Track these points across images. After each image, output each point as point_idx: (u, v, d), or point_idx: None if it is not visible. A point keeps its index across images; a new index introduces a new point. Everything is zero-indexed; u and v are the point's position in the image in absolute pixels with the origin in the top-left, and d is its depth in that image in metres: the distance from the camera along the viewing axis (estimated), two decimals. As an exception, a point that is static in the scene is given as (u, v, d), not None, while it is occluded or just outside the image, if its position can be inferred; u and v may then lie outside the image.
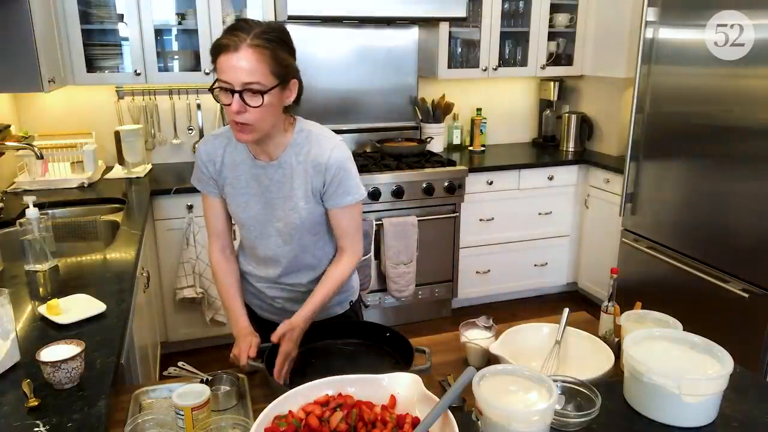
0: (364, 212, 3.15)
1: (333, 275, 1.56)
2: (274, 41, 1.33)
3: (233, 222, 1.66)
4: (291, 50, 1.40)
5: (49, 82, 2.60)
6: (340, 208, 1.53)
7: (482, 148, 4.13)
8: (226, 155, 1.54)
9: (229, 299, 1.62)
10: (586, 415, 1.12)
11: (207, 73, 3.27)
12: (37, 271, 1.87)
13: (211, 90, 1.37)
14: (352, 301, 1.77)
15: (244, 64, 1.29)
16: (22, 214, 2.17)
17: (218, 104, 3.56)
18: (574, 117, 4.11)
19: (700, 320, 2.71)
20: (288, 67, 1.37)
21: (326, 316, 1.69)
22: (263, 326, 1.67)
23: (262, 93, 1.32)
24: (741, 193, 2.65)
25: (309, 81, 4.00)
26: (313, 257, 1.61)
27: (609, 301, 1.54)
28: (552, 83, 4.23)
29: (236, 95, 1.31)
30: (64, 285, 1.79)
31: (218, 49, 1.32)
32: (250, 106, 1.33)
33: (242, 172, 1.53)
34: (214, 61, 1.34)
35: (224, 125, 3.73)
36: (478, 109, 4.15)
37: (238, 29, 1.31)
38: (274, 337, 1.40)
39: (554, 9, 3.92)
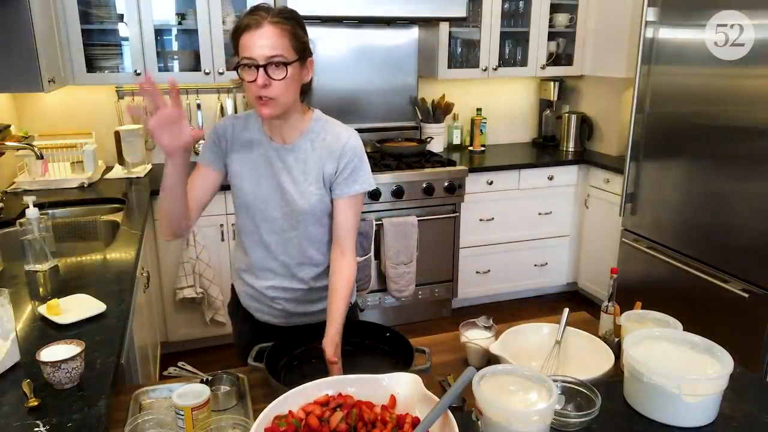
0: (363, 212, 3.15)
1: (341, 286, 1.51)
2: (292, 19, 1.42)
3: (235, 209, 1.63)
4: (305, 29, 1.47)
5: (49, 82, 2.60)
6: (347, 198, 1.53)
7: (482, 148, 4.13)
8: (242, 134, 1.57)
9: None
10: (586, 415, 1.12)
11: (207, 73, 3.27)
12: (37, 271, 1.87)
13: (235, 69, 1.42)
14: (351, 303, 1.76)
15: (266, 40, 1.37)
16: (22, 214, 2.17)
17: (218, 104, 3.59)
18: (574, 117, 4.11)
19: (700, 320, 2.71)
20: (305, 44, 1.45)
21: (325, 318, 1.68)
22: (262, 330, 1.67)
23: (285, 65, 1.39)
24: (741, 193, 2.65)
25: (309, 81, 3.98)
26: (317, 252, 1.60)
27: (609, 301, 1.54)
28: (552, 83, 4.23)
29: (260, 70, 1.37)
30: (64, 285, 1.79)
31: (240, 29, 1.40)
32: (274, 79, 1.38)
33: (255, 153, 1.55)
34: (236, 42, 1.41)
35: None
36: (478, 109, 4.15)
37: (259, 9, 1.40)
38: (332, 357, 1.38)
39: (554, 9, 3.92)
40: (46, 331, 1.49)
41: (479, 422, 1.07)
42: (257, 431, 0.97)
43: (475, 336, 1.49)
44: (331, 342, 1.40)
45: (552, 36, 3.99)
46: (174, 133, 1.37)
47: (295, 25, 1.42)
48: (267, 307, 1.68)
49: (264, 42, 1.37)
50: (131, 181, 3.14)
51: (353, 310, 1.78)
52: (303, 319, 1.66)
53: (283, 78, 1.39)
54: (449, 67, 3.79)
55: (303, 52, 1.43)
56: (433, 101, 4.01)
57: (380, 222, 3.34)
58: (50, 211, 2.63)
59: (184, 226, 1.53)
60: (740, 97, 2.62)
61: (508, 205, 3.77)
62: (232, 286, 1.77)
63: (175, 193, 1.46)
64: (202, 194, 1.56)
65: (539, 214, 3.87)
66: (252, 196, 1.56)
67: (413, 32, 3.89)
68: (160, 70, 3.23)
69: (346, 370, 1.38)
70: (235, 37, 1.41)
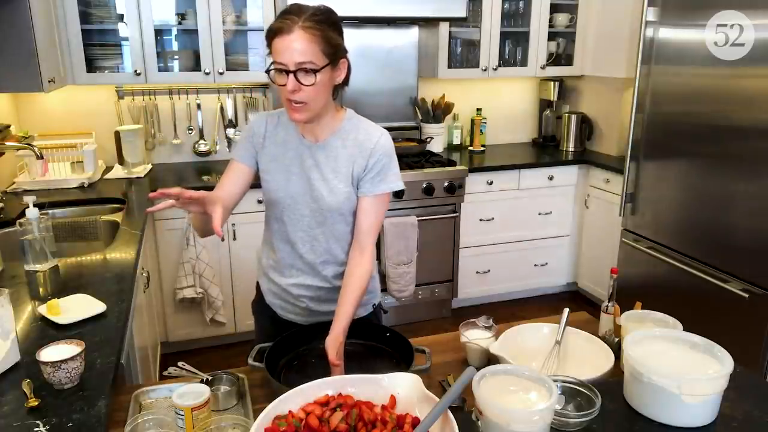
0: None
1: (354, 284, 1.51)
2: (325, 22, 1.40)
3: (264, 205, 1.65)
4: (340, 31, 1.46)
5: (49, 82, 2.60)
6: (372, 197, 1.54)
7: (482, 148, 4.13)
8: (276, 131, 1.59)
9: None
10: (586, 415, 1.12)
11: (207, 73, 3.27)
12: (37, 271, 1.87)
13: (267, 72, 1.43)
14: (374, 304, 1.75)
15: (297, 45, 1.36)
16: (22, 214, 2.17)
17: (218, 104, 3.59)
18: (574, 117, 4.11)
19: (700, 320, 2.71)
20: (337, 47, 1.43)
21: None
22: (284, 328, 1.66)
23: (314, 72, 1.39)
24: (741, 193, 2.65)
25: (309, 81, 3.97)
26: (342, 250, 1.61)
27: (609, 301, 1.54)
28: (552, 83, 4.23)
29: (291, 75, 1.38)
30: (64, 285, 1.79)
31: (273, 33, 1.39)
32: (303, 84, 1.39)
33: (288, 150, 1.57)
34: (269, 44, 1.41)
35: (224, 124, 3.74)
36: (478, 109, 4.15)
37: (291, 12, 1.39)
38: (334, 359, 1.37)
39: (554, 9, 3.92)
40: (46, 331, 1.49)
41: (479, 422, 1.07)
42: (257, 431, 0.97)
43: (475, 336, 1.49)
44: (334, 342, 1.40)
45: (552, 36, 3.99)
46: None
47: (327, 28, 1.40)
48: (291, 305, 1.68)
49: (295, 47, 1.36)
50: (131, 181, 3.15)
51: (376, 312, 1.77)
52: (325, 318, 1.63)
53: (313, 84, 1.39)
54: (449, 67, 3.79)
55: (335, 55, 1.42)
56: (433, 101, 4.01)
57: (380, 222, 3.33)
58: (50, 211, 2.63)
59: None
60: (740, 97, 2.62)
61: (508, 205, 3.77)
62: (257, 283, 1.79)
63: (200, 225, 1.51)
64: (234, 190, 1.58)
65: (539, 214, 3.87)
66: (282, 192, 1.57)
67: (413, 32, 3.89)
68: (160, 70, 3.23)
69: (347, 370, 1.38)
70: (267, 39, 1.41)
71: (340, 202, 1.54)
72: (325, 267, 1.62)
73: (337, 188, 1.53)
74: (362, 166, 1.53)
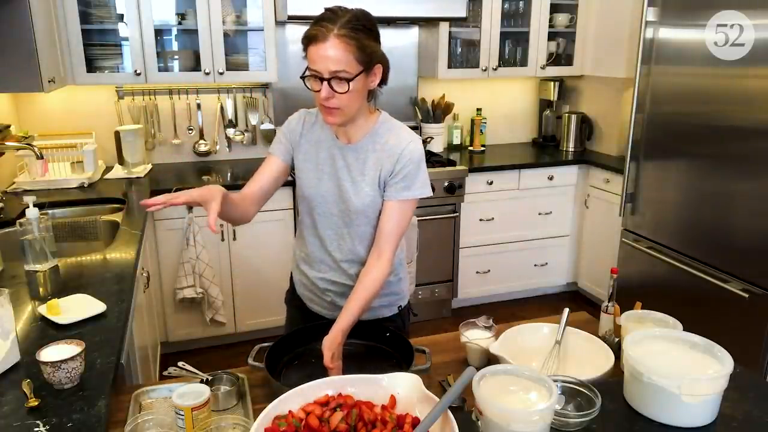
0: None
1: (365, 285, 1.52)
2: (360, 30, 1.40)
3: (297, 199, 1.68)
4: (376, 36, 1.46)
5: (49, 82, 2.60)
6: (396, 202, 1.55)
7: (482, 148, 4.13)
8: (312, 130, 1.61)
9: None
10: (586, 415, 1.12)
11: (207, 73, 3.27)
12: (37, 271, 1.87)
13: (302, 78, 1.44)
14: (401, 306, 1.76)
15: (332, 54, 1.37)
16: (22, 214, 2.17)
17: (218, 104, 3.59)
18: (574, 117, 4.11)
19: (700, 320, 2.71)
20: (373, 53, 1.44)
21: (372, 317, 1.68)
22: (312, 319, 1.70)
23: (348, 80, 1.40)
24: (741, 193, 2.65)
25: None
26: (367, 252, 1.61)
27: (609, 301, 1.54)
28: (552, 83, 4.23)
29: (325, 83, 1.40)
30: (64, 285, 1.79)
31: (308, 40, 1.40)
32: (337, 92, 1.41)
33: (321, 150, 1.59)
34: (305, 50, 1.42)
35: (224, 124, 3.73)
36: (478, 109, 4.15)
37: (326, 20, 1.39)
38: (328, 362, 1.37)
39: (554, 9, 3.92)
40: (46, 331, 1.49)
41: (479, 422, 1.07)
42: (257, 431, 0.97)
43: (475, 336, 1.49)
44: (331, 343, 1.40)
45: (552, 36, 3.98)
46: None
47: (362, 36, 1.40)
48: (318, 298, 1.72)
49: (329, 55, 1.37)
50: (131, 181, 3.14)
51: (402, 315, 1.77)
52: None
53: (346, 92, 1.41)
54: (449, 67, 3.79)
55: (370, 62, 1.43)
56: (433, 101, 4.01)
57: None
58: (50, 211, 2.63)
59: (247, 218, 1.60)
60: (740, 97, 2.62)
61: (508, 205, 3.77)
62: (291, 274, 1.82)
63: (224, 216, 1.49)
64: (267, 184, 1.61)
65: (539, 214, 3.87)
66: (313, 190, 1.60)
67: (413, 32, 3.89)
68: (160, 70, 3.23)
69: (347, 370, 1.38)
70: (304, 44, 1.42)
71: (365, 204, 1.55)
72: (350, 266, 1.64)
73: (363, 191, 1.55)
74: (389, 171, 1.54)
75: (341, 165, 1.57)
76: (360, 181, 1.55)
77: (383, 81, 1.53)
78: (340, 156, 1.57)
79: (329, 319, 1.57)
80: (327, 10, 1.42)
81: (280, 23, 3.46)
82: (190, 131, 3.62)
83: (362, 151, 1.56)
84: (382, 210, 1.56)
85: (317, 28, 1.38)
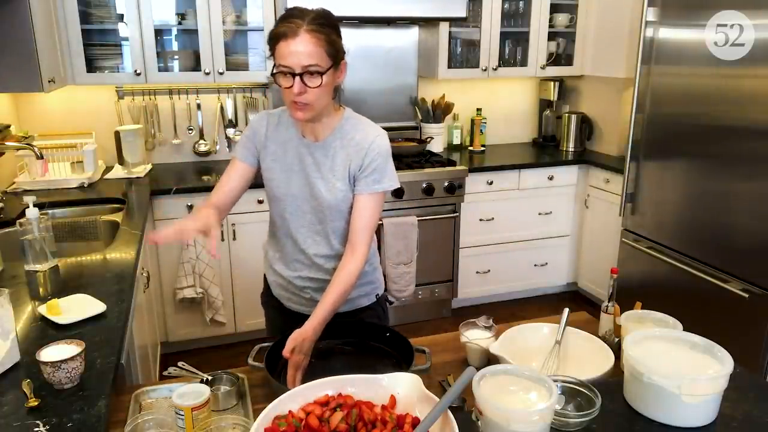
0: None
1: (340, 279, 1.54)
2: (327, 26, 1.44)
3: (267, 202, 1.69)
4: (339, 33, 1.49)
5: (49, 82, 2.60)
6: (367, 194, 1.56)
7: (482, 148, 4.13)
8: (276, 131, 1.62)
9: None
10: (586, 415, 1.12)
11: (207, 73, 3.27)
12: (37, 271, 1.87)
13: (272, 75, 1.45)
14: (378, 294, 1.78)
15: (303, 49, 1.39)
16: (22, 214, 2.17)
17: (218, 104, 3.59)
18: (574, 117, 4.11)
19: (700, 320, 2.70)
20: (339, 49, 1.47)
21: (352, 307, 1.70)
22: (292, 318, 1.69)
23: (320, 74, 1.42)
24: (741, 193, 2.65)
25: (309, 81, 3.95)
26: (343, 246, 1.62)
27: (609, 301, 1.54)
28: (552, 83, 4.23)
29: (297, 78, 1.41)
30: (64, 285, 1.79)
31: (277, 37, 1.42)
32: (309, 87, 1.42)
33: (288, 149, 1.60)
34: (272, 48, 1.43)
35: (224, 124, 3.73)
36: (478, 109, 4.15)
37: (294, 17, 1.41)
38: (286, 352, 1.38)
39: (554, 9, 3.92)
40: (46, 331, 1.49)
41: (479, 422, 1.07)
42: (257, 431, 0.97)
43: (475, 336, 1.49)
44: (298, 335, 1.40)
45: (552, 36, 3.98)
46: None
47: (330, 31, 1.43)
48: (296, 296, 1.72)
49: (300, 50, 1.39)
50: (131, 181, 3.14)
51: (381, 302, 1.78)
52: None
53: (318, 86, 1.42)
54: (449, 67, 3.79)
55: (337, 56, 1.46)
56: (433, 101, 4.01)
57: (380, 222, 3.33)
58: (50, 211, 2.63)
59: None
60: (740, 97, 2.62)
61: (508, 205, 3.77)
62: (264, 276, 1.82)
63: None
64: (235, 187, 1.63)
65: (539, 214, 3.87)
66: (283, 190, 1.61)
67: (413, 32, 3.89)
68: (160, 70, 3.23)
69: (347, 370, 1.38)
70: (271, 43, 1.44)
71: (338, 199, 1.57)
72: (327, 261, 1.65)
73: (335, 187, 1.56)
74: (358, 165, 1.55)
75: (310, 162, 1.58)
76: (331, 177, 1.57)
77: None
78: (308, 154, 1.58)
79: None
80: (291, 8, 1.45)
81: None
82: (190, 131, 3.62)
83: (330, 148, 1.57)
84: (354, 204, 1.58)
85: (286, 24, 1.40)
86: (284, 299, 1.76)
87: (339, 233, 1.62)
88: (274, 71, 1.44)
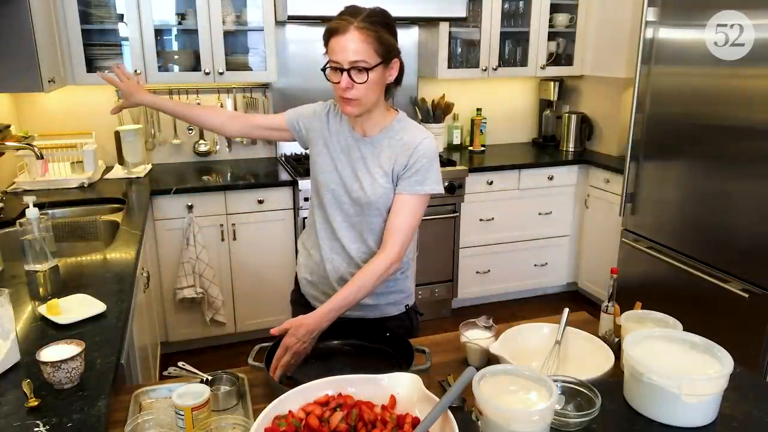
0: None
1: (361, 275, 1.53)
2: (379, 23, 1.47)
3: (310, 192, 1.73)
4: (393, 32, 1.53)
5: (49, 82, 2.60)
6: (407, 195, 1.57)
7: (482, 148, 4.13)
8: (333, 119, 1.67)
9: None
10: (586, 415, 1.12)
11: (207, 73, 3.27)
12: (37, 271, 1.87)
13: (323, 70, 1.51)
14: (407, 305, 1.77)
15: (352, 45, 1.43)
16: (22, 214, 2.17)
17: (218, 104, 3.58)
18: (574, 117, 4.11)
19: (700, 320, 2.70)
20: (390, 47, 1.50)
21: (380, 315, 1.69)
22: None
23: (367, 70, 1.46)
24: (741, 193, 2.65)
25: (309, 81, 3.98)
26: (376, 244, 1.63)
27: (609, 301, 1.54)
28: (552, 83, 4.23)
29: (344, 73, 1.45)
30: (64, 285, 1.79)
31: (329, 32, 1.47)
32: (356, 82, 1.46)
33: (340, 140, 1.64)
34: (326, 44, 1.48)
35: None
36: (478, 109, 4.15)
37: (347, 14, 1.46)
38: (275, 330, 1.39)
39: (554, 9, 3.92)
40: (46, 331, 1.49)
41: (479, 422, 1.07)
42: (257, 431, 0.97)
43: (475, 336, 1.49)
44: (297, 320, 1.41)
45: (552, 36, 3.98)
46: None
47: (381, 29, 1.46)
48: (324, 296, 1.67)
49: (349, 47, 1.43)
50: (131, 181, 3.15)
51: (410, 314, 1.78)
52: (357, 312, 1.63)
53: (365, 82, 1.46)
54: (449, 67, 3.79)
55: (388, 54, 1.49)
56: (433, 101, 4.01)
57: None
58: (50, 211, 2.63)
59: (228, 132, 1.86)
60: (740, 97, 2.62)
61: (508, 205, 3.77)
62: (296, 275, 1.84)
63: (185, 117, 1.86)
64: (267, 126, 1.78)
65: (539, 214, 3.87)
66: (327, 176, 1.64)
67: (413, 32, 3.89)
68: (160, 70, 3.23)
69: (347, 370, 1.38)
70: (325, 38, 1.48)
71: (378, 195, 1.58)
72: (360, 256, 1.65)
73: (377, 183, 1.58)
74: (402, 165, 1.57)
75: (357, 156, 1.61)
76: (375, 172, 1.58)
77: (398, 81, 1.59)
78: (356, 147, 1.61)
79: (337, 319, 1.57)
80: (348, 6, 1.49)
81: (280, 23, 3.46)
82: (190, 131, 3.62)
83: (377, 144, 1.60)
84: (393, 204, 1.59)
85: (339, 21, 1.45)
86: (311, 297, 1.76)
87: (375, 231, 1.63)
88: (326, 66, 1.49)
